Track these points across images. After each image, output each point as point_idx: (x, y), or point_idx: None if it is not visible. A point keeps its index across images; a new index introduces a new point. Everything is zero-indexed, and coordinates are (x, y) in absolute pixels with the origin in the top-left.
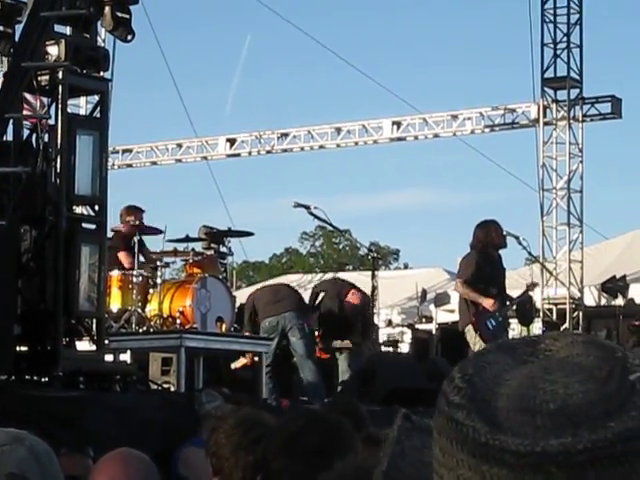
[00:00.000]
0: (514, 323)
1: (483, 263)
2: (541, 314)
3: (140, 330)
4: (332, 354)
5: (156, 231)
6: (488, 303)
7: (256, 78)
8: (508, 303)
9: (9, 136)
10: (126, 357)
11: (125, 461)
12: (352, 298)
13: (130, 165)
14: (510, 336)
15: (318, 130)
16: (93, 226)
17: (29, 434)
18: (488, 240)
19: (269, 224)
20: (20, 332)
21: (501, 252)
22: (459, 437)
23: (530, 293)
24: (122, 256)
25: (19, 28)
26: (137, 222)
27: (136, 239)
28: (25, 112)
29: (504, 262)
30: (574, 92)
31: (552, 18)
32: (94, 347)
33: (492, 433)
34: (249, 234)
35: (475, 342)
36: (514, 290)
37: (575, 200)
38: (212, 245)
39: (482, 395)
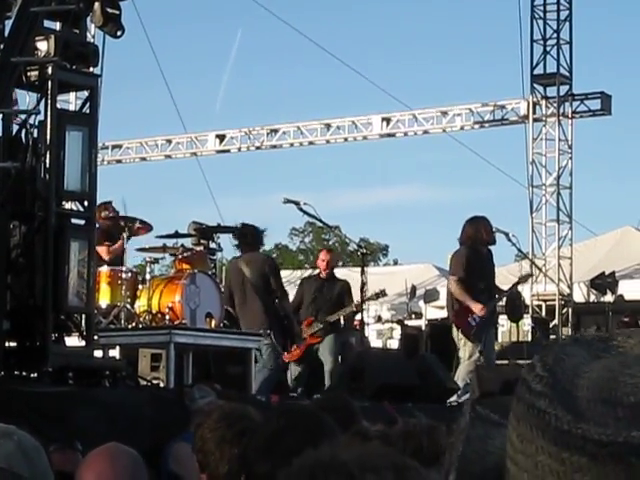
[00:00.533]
0: (503, 319)
1: (473, 259)
2: (530, 310)
3: (129, 326)
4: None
5: (144, 225)
6: (477, 308)
7: (246, 74)
8: (497, 296)
9: None
10: (115, 353)
11: (112, 457)
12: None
13: (119, 161)
14: (499, 332)
15: (307, 126)
16: (82, 222)
17: (17, 429)
18: (477, 236)
19: (259, 220)
20: (9, 328)
21: (490, 248)
22: (540, 424)
23: (519, 288)
24: (101, 251)
25: (9, 24)
26: (114, 215)
27: (125, 235)
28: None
29: (493, 258)
30: (564, 89)
31: (542, 14)
32: (83, 343)
33: (574, 422)
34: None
35: (460, 339)
36: (503, 287)
37: (564, 196)
38: (201, 241)
39: (563, 385)
